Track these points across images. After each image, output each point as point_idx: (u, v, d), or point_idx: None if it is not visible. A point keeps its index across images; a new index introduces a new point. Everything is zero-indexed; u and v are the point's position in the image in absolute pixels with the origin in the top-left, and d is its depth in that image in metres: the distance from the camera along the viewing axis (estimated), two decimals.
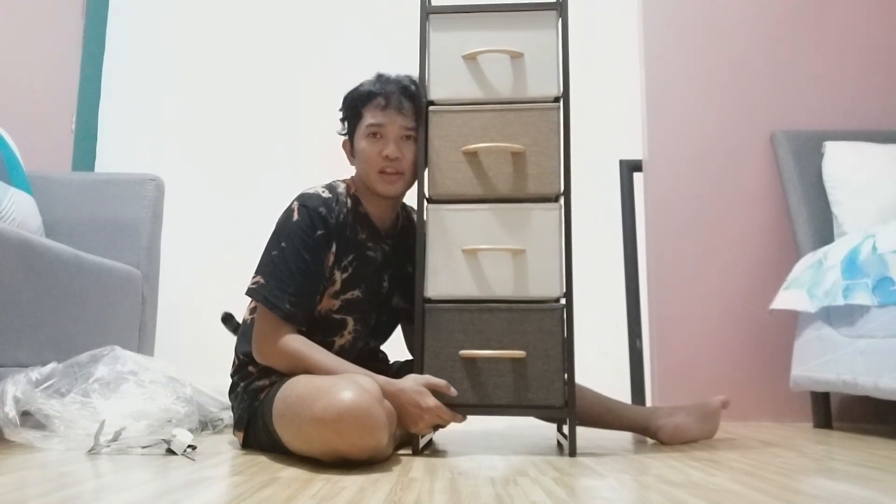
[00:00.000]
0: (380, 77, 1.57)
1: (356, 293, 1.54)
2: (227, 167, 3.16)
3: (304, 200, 1.49)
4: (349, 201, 1.55)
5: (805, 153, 2.27)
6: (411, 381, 1.42)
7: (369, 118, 1.53)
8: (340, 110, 1.60)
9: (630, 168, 3.01)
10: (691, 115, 2.43)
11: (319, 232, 1.46)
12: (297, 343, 1.43)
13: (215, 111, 3.21)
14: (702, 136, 2.42)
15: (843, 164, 2.16)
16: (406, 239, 1.64)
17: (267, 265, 1.47)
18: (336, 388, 1.24)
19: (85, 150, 3.16)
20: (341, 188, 1.56)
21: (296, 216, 1.48)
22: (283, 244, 1.46)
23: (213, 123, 3.22)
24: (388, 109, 1.52)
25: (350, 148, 1.60)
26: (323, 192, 1.52)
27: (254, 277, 1.47)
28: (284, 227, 1.48)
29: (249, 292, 1.47)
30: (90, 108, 3.21)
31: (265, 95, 3.04)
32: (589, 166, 2.97)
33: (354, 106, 1.56)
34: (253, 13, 3.34)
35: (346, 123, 1.60)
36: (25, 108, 2.66)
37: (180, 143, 3.25)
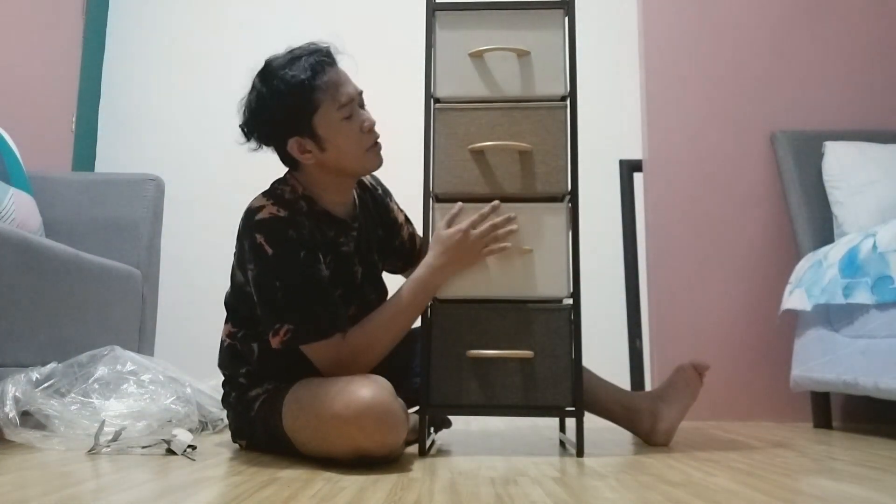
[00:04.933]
0: (294, 56, 1.40)
1: (337, 293, 1.45)
2: (227, 167, 3.16)
3: (267, 231, 1.34)
4: (304, 205, 1.42)
5: (805, 153, 2.27)
6: (434, 238, 1.45)
7: (335, 99, 1.38)
8: (271, 109, 1.39)
9: (630, 168, 3.02)
10: (691, 115, 2.43)
11: (302, 253, 1.34)
12: (358, 337, 1.36)
13: (215, 111, 3.21)
14: (702, 136, 2.42)
15: (843, 164, 2.16)
16: (367, 214, 1.56)
17: (281, 311, 1.33)
18: (354, 386, 1.24)
19: (85, 150, 3.16)
20: (288, 194, 1.42)
21: (269, 249, 1.33)
22: (277, 283, 1.33)
23: (213, 123, 3.22)
24: (343, 79, 1.41)
25: (300, 145, 1.40)
26: (278, 211, 1.36)
27: (275, 327, 1.33)
28: (266, 265, 1.34)
29: (286, 344, 1.33)
30: (90, 108, 3.22)
31: None
32: (589, 166, 2.97)
33: (301, 99, 1.37)
34: (253, 12, 3.34)
35: (278, 123, 1.40)
36: (25, 108, 2.66)
37: (180, 143, 3.26)
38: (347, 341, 1.36)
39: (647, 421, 1.58)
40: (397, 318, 1.41)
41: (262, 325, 1.39)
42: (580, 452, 1.41)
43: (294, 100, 1.37)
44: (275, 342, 1.34)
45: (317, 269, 1.36)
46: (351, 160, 1.43)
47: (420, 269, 1.43)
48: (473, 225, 1.43)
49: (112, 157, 3.23)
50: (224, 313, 1.50)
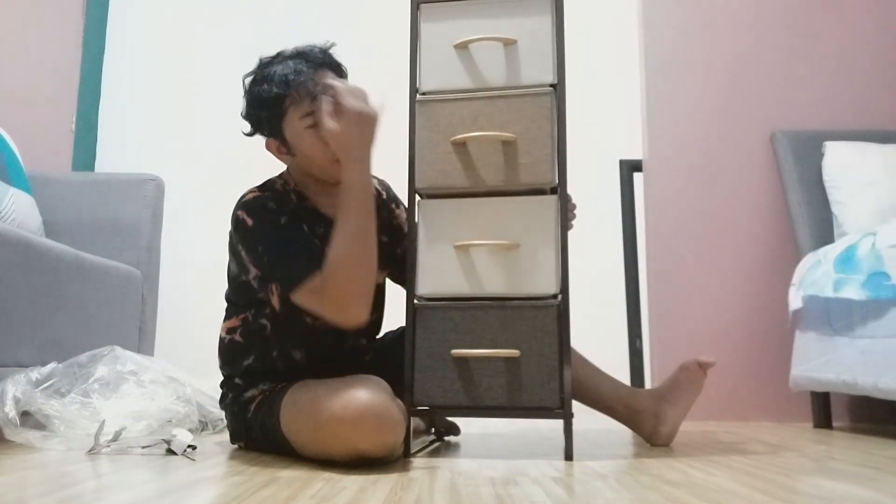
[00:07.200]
0: (276, 59, 1.42)
1: None
2: (227, 167, 3.16)
3: (248, 207, 1.36)
4: (294, 197, 1.44)
5: (805, 153, 2.27)
6: (333, 145, 1.32)
7: (299, 107, 1.37)
8: (251, 109, 1.43)
9: (630, 168, 3.01)
10: (691, 115, 2.43)
11: (283, 218, 1.35)
12: (329, 267, 1.29)
13: (215, 111, 3.21)
14: (702, 136, 2.42)
15: (843, 164, 2.16)
16: None
17: (269, 271, 1.34)
18: (352, 387, 1.23)
19: (85, 150, 3.16)
20: (279, 185, 1.44)
21: (250, 221, 1.35)
22: (259, 248, 1.34)
23: (213, 123, 3.22)
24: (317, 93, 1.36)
25: (277, 146, 1.43)
26: (264, 194, 1.39)
27: (269, 287, 1.36)
28: (249, 236, 1.35)
29: (283, 300, 1.34)
30: (90, 108, 3.21)
31: None
32: (589, 166, 2.97)
33: (275, 103, 1.38)
34: (252, 12, 3.34)
35: (259, 122, 1.43)
36: (25, 108, 2.66)
37: (180, 143, 3.26)
38: (324, 274, 1.29)
39: (649, 422, 1.57)
40: (349, 229, 1.30)
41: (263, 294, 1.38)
42: (569, 456, 1.36)
43: (264, 103, 1.39)
44: (274, 302, 1.36)
45: (298, 229, 1.35)
46: (317, 170, 1.42)
47: (342, 181, 1.32)
48: (344, 99, 1.30)
49: (112, 157, 3.23)
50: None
